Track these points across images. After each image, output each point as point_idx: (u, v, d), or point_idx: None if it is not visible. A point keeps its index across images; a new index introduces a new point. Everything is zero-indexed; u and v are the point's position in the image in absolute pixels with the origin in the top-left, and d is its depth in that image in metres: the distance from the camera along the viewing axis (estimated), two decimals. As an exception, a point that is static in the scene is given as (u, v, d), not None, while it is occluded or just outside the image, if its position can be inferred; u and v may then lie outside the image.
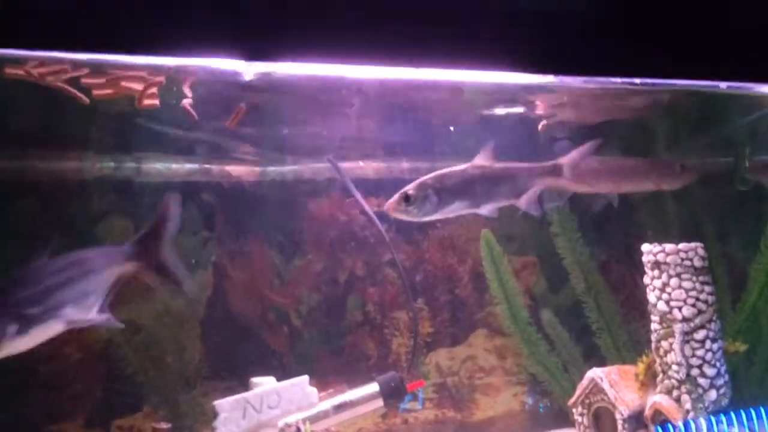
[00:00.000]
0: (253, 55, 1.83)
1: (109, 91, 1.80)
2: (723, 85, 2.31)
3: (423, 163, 2.76)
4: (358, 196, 2.47)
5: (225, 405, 1.74)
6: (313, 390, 1.85)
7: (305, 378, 1.85)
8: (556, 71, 2.15)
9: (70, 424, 2.28)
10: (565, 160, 2.20)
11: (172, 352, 2.40)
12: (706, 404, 2.11)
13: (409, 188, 2.09)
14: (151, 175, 2.53)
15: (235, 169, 2.59)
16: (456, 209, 2.15)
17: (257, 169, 2.61)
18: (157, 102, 1.85)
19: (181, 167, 2.54)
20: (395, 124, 2.62)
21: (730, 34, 2.35)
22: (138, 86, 1.83)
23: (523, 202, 2.19)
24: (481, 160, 2.21)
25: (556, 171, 2.16)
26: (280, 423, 1.82)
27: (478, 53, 2.05)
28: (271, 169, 2.65)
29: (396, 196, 2.11)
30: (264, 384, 1.82)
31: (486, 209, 2.17)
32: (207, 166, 2.57)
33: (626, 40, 2.25)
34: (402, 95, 2.39)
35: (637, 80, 2.22)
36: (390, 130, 2.66)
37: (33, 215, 2.33)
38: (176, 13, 1.72)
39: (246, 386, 1.91)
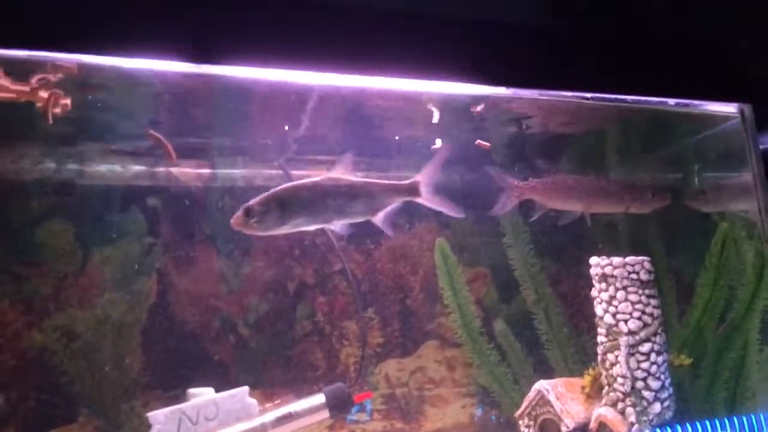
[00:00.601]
0: (200, 57, 1.80)
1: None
2: (671, 101, 2.35)
3: (376, 172, 2.74)
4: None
5: (159, 416, 1.67)
6: (253, 401, 1.80)
7: (245, 389, 1.80)
8: (510, 84, 2.17)
9: (3, 433, 2.19)
10: (420, 178, 2.13)
11: (110, 361, 2.32)
12: (651, 417, 2.12)
13: (253, 201, 1.97)
14: (95, 178, 2.45)
15: (183, 173, 2.53)
16: (304, 224, 2.02)
17: (206, 173, 2.55)
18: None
19: (126, 170, 2.47)
20: (348, 131, 2.60)
21: (680, 52, 2.40)
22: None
23: (379, 219, 2.11)
24: (336, 173, 2.06)
25: (411, 189, 2.09)
26: (221, 434, 1.76)
27: (435, 63, 2.05)
28: (220, 173, 2.59)
29: (240, 210, 1.95)
30: (202, 395, 1.76)
31: (338, 225, 2.06)
32: (153, 169, 2.50)
33: (580, 54, 2.28)
34: (356, 102, 2.37)
35: (588, 95, 2.25)
36: (343, 137, 2.63)
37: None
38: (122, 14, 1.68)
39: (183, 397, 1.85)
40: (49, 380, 2.26)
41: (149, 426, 1.66)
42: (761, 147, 2.37)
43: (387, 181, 2.08)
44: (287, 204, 1.92)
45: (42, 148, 2.36)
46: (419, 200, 2.08)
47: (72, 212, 2.38)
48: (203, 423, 1.71)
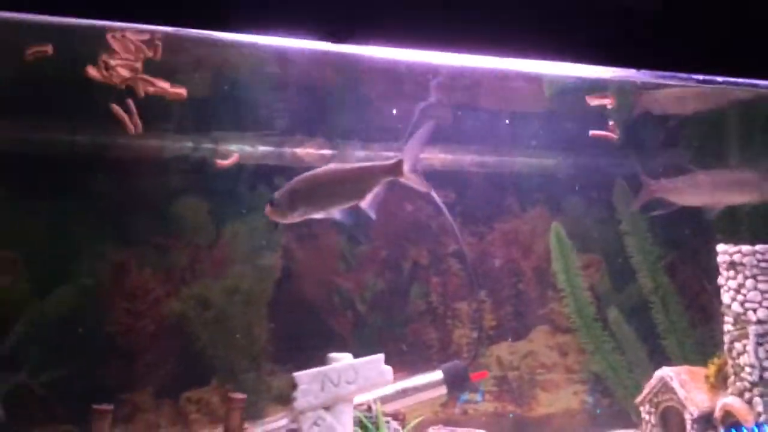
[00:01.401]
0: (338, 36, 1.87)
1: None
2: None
3: (489, 156, 2.78)
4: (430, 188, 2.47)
5: (304, 377, 1.76)
6: (389, 368, 1.86)
7: (381, 356, 1.87)
8: (637, 65, 2.15)
9: (141, 393, 2.34)
10: (404, 156, 2.07)
11: (240, 330, 2.45)
12: (780, 408, 2.08)
13: (277, 192, 2.06)
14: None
15: (307, 154, 2.63)
16: (309, 213, 2.06)
17: (328, 154, 2.65)
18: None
19: (255, 150, 2.59)
20: (470, 114, 2.65)
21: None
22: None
23: (366, 202, 2.12)
24: (335, 163, 2.15)
25: (395, 169, 2.08)
26: (356, 399, 1.85)
27: (561, 45, 2.06)
28: (340, 155, 2.67)
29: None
30: (341, 359, 1.85)
31: (337, 213, 2.10)
32: (280, 149, 2.61)
33: (707, 37, 2.24)
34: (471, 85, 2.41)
35: (720, 78, 2.20)
36: (465, 122, 2.68)
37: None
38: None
39: (320, 363, 1.93)
40: (185, 346, 2.40)
41: (295, 385, 1.75)
42: None
43: (370, 163, 2.10)
44: (294, 196, 2.01)
45: (179, 127, 2.51)
46: (401, 179, 2.09)
47: (205, 189, 2.52)
48: (344, 385, 1.79)
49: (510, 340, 2.75)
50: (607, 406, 2.67)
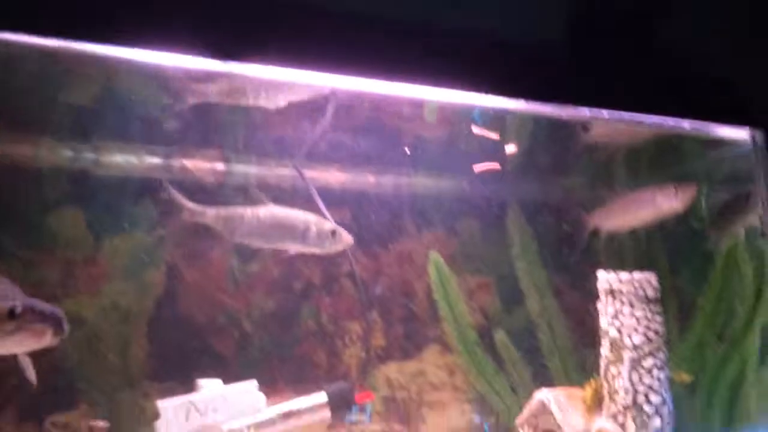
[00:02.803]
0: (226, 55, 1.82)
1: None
2: (686, 124, 2.39)
3: (387, 177, 2.78)
4: (322, 205, 2.47)
5: (167, 408, 1.68)
6: (261, 395, 1.81)
7: (253, 382, 1.81)
8: (529, 97, 2.20)
9: (3, 416, 2.18)
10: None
11: (116, 350, 2.33)
12: (650, 431, 2.14)
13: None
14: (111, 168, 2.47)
15: (198, 167, 2.54)
16: None
17: (220, 168, 2.57)
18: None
19: (141, 162, 2.48)
20: (364, 136, 2.64)
21: (694, 77, 2.44)
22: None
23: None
24: None
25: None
26: (225, 428, 1.78)
27: (455, 74, 2.09)
28: (234, 170, 2.60)
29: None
30: (210, 386, 1.78)
31: None
32: (168, 161, 2.51)
33: (594, 72, 2.32)
34: (373, 108, 2.40)
35: (605, 112, 2.28)
36: (358, 142, 2.66)
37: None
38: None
39: (191, 388, 1.86)
40: (51, 366, 2.26)
41: (157, 415, 1.67)
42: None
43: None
44: None
45: (58, 137, 2.38)
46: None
47: (84, 201, 2.39)
48: (211, 414, 1.72)
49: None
50: (494, 425, 2.70)
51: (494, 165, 2.61)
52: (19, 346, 1.59)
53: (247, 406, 1.77)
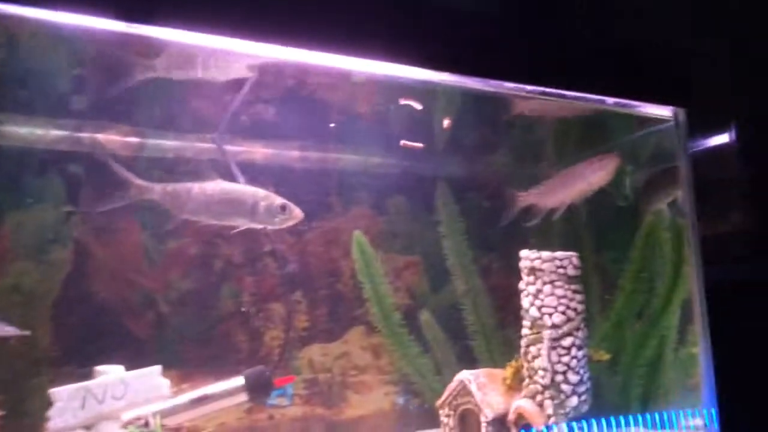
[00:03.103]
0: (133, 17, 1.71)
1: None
2: (610, 101, 2.38)
3: (312, 152, 2.70)
4: (242, 181, 2.39)
5: (62, 393, 1.58)
6: (165, 381, 1.73)
7: (157, 368, 1.73)
8: (452, 69, 2.15)
9: None
10: None
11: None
12: (567, 410, 2.15)
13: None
14: (12, 139, 2.31)
15: (110, 140, 2.40)
16: None
17: (134, 142, 2.44)
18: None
19: (46, 133, 2.33)
20: (288, 109, 2.55)
21: (621, 54, 2.43)
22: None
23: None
24: None
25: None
26: (126, 415, 1.69)
27: (380, 44, 2.01)
28: (149, 143, 2.48)
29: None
30: (110, 372, 1.68)
31: None
32: (77, 134, 2.37)
33: (524, 48, 2.28)
34: (294, 79, 2.31)
35: (529, 87, 2.25)
36: (282, 116, 2.57)
37: None
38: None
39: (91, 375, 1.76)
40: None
41: (50, 403, 1.57)
42: (691, 150, 2.44)
43: None
44: None
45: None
46: None
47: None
48: (109, 402, 1.63)
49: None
50: (419, 406, 2.68)
51: (419, 142, 2.56)
52: None
53: (150, 392, 1.68)
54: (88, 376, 1.84)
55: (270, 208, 2.25)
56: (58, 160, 2.31)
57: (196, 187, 2.26)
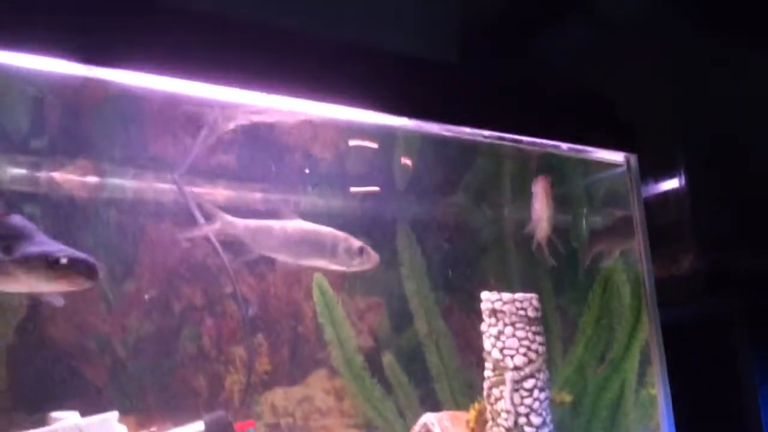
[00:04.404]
0: (91, 59, 1.72)
1: None
2: (564, 146, 2.46)
3: (274, 194, 2.70)
4: (202, 221, 2.38)
5: (14, 442, 1.53)
6: (122, 428, 1.68)
7: (114, 414, 1.68)
8: (412, 115, 2.20)
9: None
10: None
11: (-33, 380, 2.12)
12: (530, 453, 2.15)
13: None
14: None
15: (67, 180, 2.37)
16: None
17: (93, 182, 2.41)
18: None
19: (3, 173, 2.29)
20: (248, 150, 2.56)
21: (575, 101, 2.52)
22: None
23: None
24: None
25: None
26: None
27: (340, 89, 2.06)
28: (108, 183, 2.45)
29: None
30: (65, 419, 1.63)
31: None
32: (34, 173, 2.33)
33: (481, 93, 2.36)
34: (254, 122, 2.33)
35: (486, 132, 2.32)
36: (242, 156, 2.59)
37: None
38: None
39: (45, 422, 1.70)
40: None
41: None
42: (643, 195, 2.53)
43: None
44: None
45: None
46: None
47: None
48: (64, 450, 1.58)
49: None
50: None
51: (379, 184, 2.60)
52: (56, 289, 1.80)
53: (106, 441, 1.63)
54: (42, 422, 1.79)
55: (349, 251, 2.31)
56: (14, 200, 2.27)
57: (278, 226, 2.33)
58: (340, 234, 2.33)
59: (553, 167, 2.77)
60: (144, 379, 2.40)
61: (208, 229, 2.35)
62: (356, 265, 2.32)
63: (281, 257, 2.36)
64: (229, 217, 2.34)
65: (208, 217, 2.35)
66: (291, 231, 2.32)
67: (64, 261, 1.66)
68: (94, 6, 1.72)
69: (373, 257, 2.34)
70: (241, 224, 2.34)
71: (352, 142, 2.75)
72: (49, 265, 1.66)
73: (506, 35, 2.66)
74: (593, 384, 2.53)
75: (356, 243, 2.32)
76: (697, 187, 2.79)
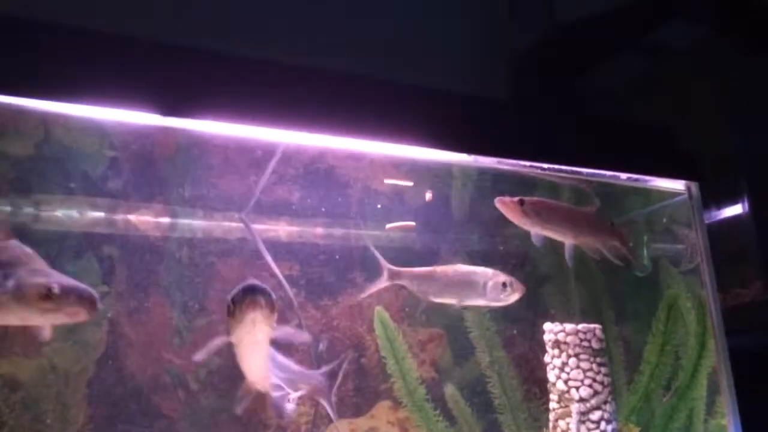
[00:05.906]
0: (168, 110, 1.83)
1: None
2: (623, 176, 2.47)
3: (337, 229, 2.78)
4: (269, 258, 2.47)
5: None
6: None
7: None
8: (470, 150, 2.26)
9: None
10: None
11: (53, 413, 2.23)
12: (599, 485, 2.14)
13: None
14: (50, 223, 2.41)
15: (142, 221, 2.50)
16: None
17: (165, 222, 2.53)
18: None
19: (83, 216, 2.43)
20: (311, 188, 2.65)
21: (634, 131, 2.53)
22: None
23: None
24: None
25: None
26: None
27: (398, 128, 2.13)
28: (180, 224, 2.57)
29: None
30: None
31: None
32: (111, 216, 2.47)
33: (538, 126, 2.40)
34: (319, 161, 2.42)
35: (545, 165, 2.34)
36: (305, 195, 2.67)
37: None
38: (93, 62, 1.71)
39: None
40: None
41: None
42: (706, 222, 2.50)
43: None
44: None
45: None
46: None
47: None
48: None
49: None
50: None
51: (438, 217, 2.66)
52: (53, 322, 1.67)
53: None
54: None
55: (496, 286, 2.39)
56: (94, 241, 2.41)
57: (438, 271, 2.43)
58: (489, 271, 2.40)
59: (609, 195, 2.77)
60: (214, 410, 2.48)
61: (380, 284, 2.43)
62: (503, 299, 2.39)
63: (444, 300, 2.43)
64: (395, 267, 2.43)
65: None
66: (451, 274, 2.41)
67: (56, 291, 1.54)
68: (168, 62, 1.84)
69: (517, 288, 2.39)
70: (406, 273, 2.43)
71: (411, 178, 2.82)
72: (41, 295, 1.54)
73: (561, 69, 2.69)
74: (660, 413, 2.49)
75: (501, 278, 2.38)
76: (762, 212, 2.74)
